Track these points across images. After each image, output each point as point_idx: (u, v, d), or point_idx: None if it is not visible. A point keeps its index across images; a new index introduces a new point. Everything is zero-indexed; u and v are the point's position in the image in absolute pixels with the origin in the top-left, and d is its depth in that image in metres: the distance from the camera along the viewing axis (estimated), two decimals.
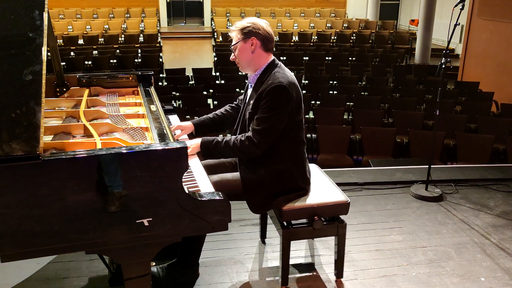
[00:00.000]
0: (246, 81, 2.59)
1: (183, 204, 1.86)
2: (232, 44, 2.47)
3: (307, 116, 6.90)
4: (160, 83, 9.03)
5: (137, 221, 1.85)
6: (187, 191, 1.87)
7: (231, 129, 2.79)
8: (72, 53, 11.13)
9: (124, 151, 1.73)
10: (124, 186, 1.75)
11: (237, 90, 8.05)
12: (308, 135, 5.96)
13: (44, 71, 1.83)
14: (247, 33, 2.41)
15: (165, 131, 2.18)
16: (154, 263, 2.72)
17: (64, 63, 9.91)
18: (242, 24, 2.44)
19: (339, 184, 4.01)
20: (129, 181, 1.76)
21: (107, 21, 14.91)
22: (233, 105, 2.83)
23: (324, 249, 3.08)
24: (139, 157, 1.74)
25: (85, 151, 1.73)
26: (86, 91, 3.01)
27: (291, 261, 2.72)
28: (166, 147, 1.78)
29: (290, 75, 2.42)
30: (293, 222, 2.58)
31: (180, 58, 13.69)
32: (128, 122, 2.52)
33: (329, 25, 15.46)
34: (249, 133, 2.37)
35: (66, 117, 2.58)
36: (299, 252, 3.05)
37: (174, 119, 3.12)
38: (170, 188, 1.82)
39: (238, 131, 2.58)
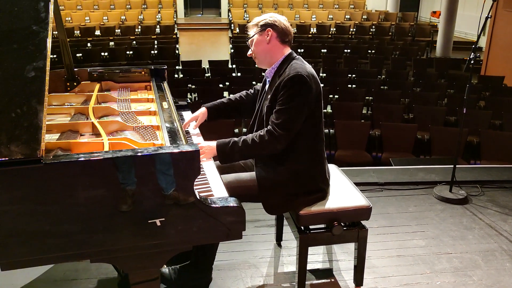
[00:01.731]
0: (263, 73, 2.46)
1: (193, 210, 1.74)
2: (249, 37, 2.35)
3: (324, 110, 6.74)
4: (176, 75, 8.92)
5: (149, 221, 1.72)
6: (198, 197, 1.75)
7: (247, 122, 2.64)
8: (88, 44, 11.07)
9: (131, 155, 1.60)
10: (130, 189, 1.63)
11: (254, 83, 7.89)
12: (326, 131, 5.81)
13: (47, 67, 1.72)
14: (264, 25, 2.32)
15: (176, 131, 2.05)
16: (164, 266, 2.63)
17: (80, 54, 9.88)
18: (259, 18, 2.36)
19: (358, 184, 3.88)
20: (136, 185, 1.63)
21: (124, 12, 14.82)
22: (249, 92, 2.70)
23: (343, 254, 2.94)
24: (146, 162, 1.62)
25: (90, 154, 1.61)
26: (97, 86, 2.91)
27: (308, 266, 2.59)
28: (175, 151, 1.65)
29: (309, 67, 2.28)
30: (311, 226, 2.45)
31: (197, 49, 13.57)
32: (139, 120, 2.40)
33: (348, 16, 15.15)
34: (269, 127, 2.22)
35: (75, 113, 2.47)
36: (316, 256, 2.92)
37: (188, 115, 2.99)
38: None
39: (255, 127, 2.43)
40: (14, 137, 1.53)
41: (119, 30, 12.96)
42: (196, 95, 7.64)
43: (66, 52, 2.83)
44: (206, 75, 8.86)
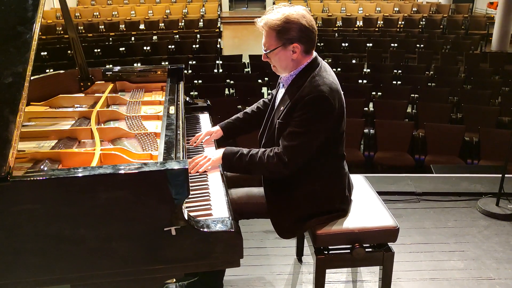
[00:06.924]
0: (279, 80, 2.18)
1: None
2: (269, 51, 1.97)
3: (366, 108, 6.40)
4: (215, 70, 8.80)
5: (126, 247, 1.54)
6: (187, 219, 1.54)
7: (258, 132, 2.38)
8: (132, 39, 11.13)
9: (102, 173, 1.42)
10: (105, 212, 1.46)
11: None
12: (366, 130, 5.50)
13: (28, 72, 1.57)
14: (289, 40, 1.92)
15: (175, 141, 1.86)
16: (174, 280, 2.47)
17: (123, 49, 9.93)
18: (278, 22, 1.90)
19: (393, 194, 3.60)
20: (111, 206, 1.46)
21: (168, 6, 14.86)
22: (266, 100, 2.44)
23: (369, 274, 2.67)
24: (122, 181, 1.43)
25: (64, 171, 1.44)
26: (110, 87, 2.78)
27: (328, 287, 2.36)
28: (148, 170, 1.45)
29: (332, 78, 1.97)
30: (330, 247, 2.20)
31: (240, 43, 13.39)
32: (144, 126, 2.24)
33: (397, 9, 14.49)
34: (279, 149, 1.96)
35: (79, 117, 2.34)
36: (339, 275, 2.67)
37: (205, 118, 2.82)
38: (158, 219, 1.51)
39: (264, 138, 2.17)
40: None
41: (163, 24, 12.99)
42: (233, 91, 7.48)
43: (78, 51, 2.72)
44: (246, 70, 8.68)
